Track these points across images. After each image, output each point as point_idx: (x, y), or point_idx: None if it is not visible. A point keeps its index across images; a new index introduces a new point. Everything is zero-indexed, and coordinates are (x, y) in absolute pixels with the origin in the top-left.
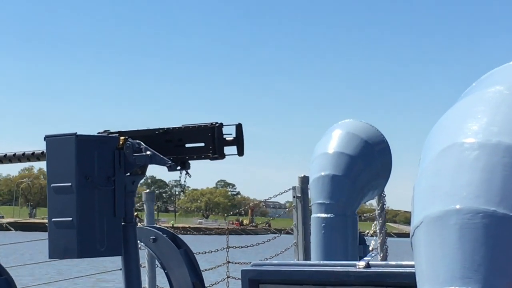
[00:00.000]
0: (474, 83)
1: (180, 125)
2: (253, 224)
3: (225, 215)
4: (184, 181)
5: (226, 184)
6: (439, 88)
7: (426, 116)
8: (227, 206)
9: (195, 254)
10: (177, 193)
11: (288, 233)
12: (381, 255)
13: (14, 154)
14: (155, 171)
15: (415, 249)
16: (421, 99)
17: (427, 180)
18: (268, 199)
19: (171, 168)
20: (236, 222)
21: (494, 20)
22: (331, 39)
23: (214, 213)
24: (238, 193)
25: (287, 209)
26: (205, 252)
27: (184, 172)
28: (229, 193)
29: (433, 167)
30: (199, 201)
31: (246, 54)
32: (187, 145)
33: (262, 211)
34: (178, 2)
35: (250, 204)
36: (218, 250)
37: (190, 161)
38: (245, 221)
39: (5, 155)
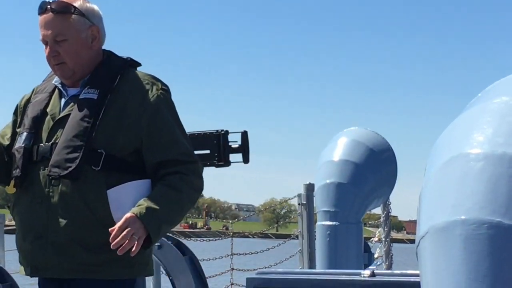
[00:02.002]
0: (479, 94)
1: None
2: (207, 226)
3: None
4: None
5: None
6: (446, 97)
7: (432, 125)
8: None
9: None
10: None
11: (245, 236)
12: (386, 263)
13: None
14: None
15: (420, 259)
16: (428, 108)
17: (432, 190)
18: (241, 203)
19: None
20: (185, 224)
21: (504, 28)
22: (340, 45)
23: None
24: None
25: (254, 212)
26: (210, 259)
27: None
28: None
29: (438, 178)
30: None
31: (251, 59)
32: None
33: (233, 214)
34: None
35: (205, 206)
36: (222, 257)
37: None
38: (200, 224)
39: None
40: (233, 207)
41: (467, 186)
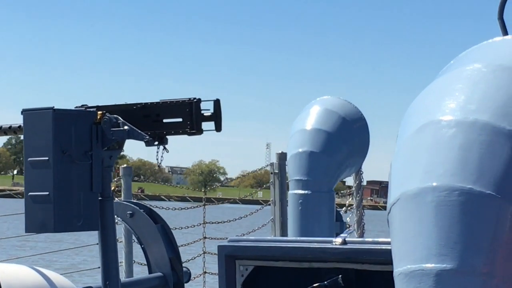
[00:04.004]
0: (452, 61)
1: (158, 100)
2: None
3: None
4: (162, 157)
5: None
6: (418, 65)
7: (404, 94)
8: None
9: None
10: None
11: (161, 199)
12: (358, 232)
13: None
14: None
15: (391, 226)
16: (400, 77)
17: (404, 157)
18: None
19: (148, 143)
20: None
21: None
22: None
23: None
24: (122, 156)
25: (184, 175)
26: (182, 228)
27: (161, 147)
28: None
29: (410, 145)
30: None
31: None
32: (164, 120)
33: (164, 177)
34: None
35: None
36: (194, 226)
37: (167, 136)
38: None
39: None
40: (167, 170)
41: (438, 153)
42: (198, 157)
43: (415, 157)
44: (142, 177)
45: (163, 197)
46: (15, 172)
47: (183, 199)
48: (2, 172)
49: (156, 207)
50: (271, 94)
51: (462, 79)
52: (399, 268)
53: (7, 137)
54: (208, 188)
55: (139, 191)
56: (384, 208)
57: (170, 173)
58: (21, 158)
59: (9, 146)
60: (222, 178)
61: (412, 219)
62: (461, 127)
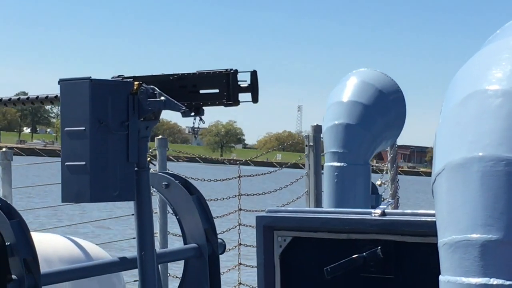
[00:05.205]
0: (498, 30)
1: (195, 71)
2: None
3: None
4: (198, 127)
5: None
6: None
7: (443, 67)
8: None
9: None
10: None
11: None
12: (393, 205)
13: (28, 98)
14: None
15: (436, 196)
16: (439, 49)
17: (449, 127)
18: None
19: (185, 114)
20: None
21: None
22: None
23: None
24: None
25: (200, 135)
26: (217, 199)
27: (198, 118)
28: None
29: (455, 114)
30: None
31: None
32: (201, 91)
33: (183, 138)
34: None
35: None
36: (230, 198)
37: (204, 107)
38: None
39: (19, 99)
40: (187, 131)
41: (484, 123)
42: (224, 118)
43: (461, 127)
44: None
45: (171, 157)
46: (28, 130)
47: (191, 159)
48: (15, 130)
49: (192, 178)
50: (307, 58)
51: (508, 49)
52: (444, 238)
53: (13, 93)
54: (225, 149)
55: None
56: (406, 172)
57: (191, 133)
58: (27, 115)
59: None
60: (240, 139)
61: (457, 190)
62: (507, 97)
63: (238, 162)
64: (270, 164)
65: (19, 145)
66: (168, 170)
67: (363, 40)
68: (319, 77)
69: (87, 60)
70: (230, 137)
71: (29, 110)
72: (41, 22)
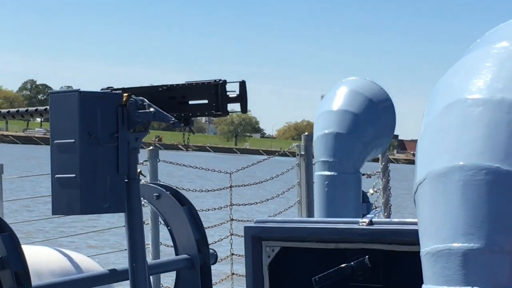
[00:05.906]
0: (479, 39)
1: (184, 82)
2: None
3: None
4: (188, 138)
5: None
6: (445, 45)
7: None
8: None
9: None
10: None
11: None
12: (385, 213)
13: (17, 111)
14: None
15: (418, 205)
16: (427, 56)
17: (430, 136)
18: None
19: (174, 125)
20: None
21: None
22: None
23: None
24: None
25: (214, 124)
26: (208, 210)
27: (187, 128)
28: None
29: (436, 123)
30: None
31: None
32: (190, 102)
33: (199, 127)
34: None
35: None
36: (221, 208)
37: (193, 118)
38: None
39: (8, 112)
40: (203, 120)
41: (465, 132)
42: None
43: (442, 136)
44: None
45: (180, 146)
46: (38, 119)
47: (202, 148)
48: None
49: (183, 189)
50: (332, 45)
51: (489, 57)
52: (426, 247)
53: (22, 81)
54: (239, 138)
55: (156, 139)
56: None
57: (207, 122)
58: (36, 103)
59: (23, 92)
60: (257, 129)
61: (439, 199)
62: (488, 106)
63: (249, 152)
64: (283, 154)
65: (14, 133)
66: (159, 181)
67: (351, 49)
68: (342, 67)
69: (76, 74)
70: (244, 126)
71: (37, 98)
72: (51, 9)
